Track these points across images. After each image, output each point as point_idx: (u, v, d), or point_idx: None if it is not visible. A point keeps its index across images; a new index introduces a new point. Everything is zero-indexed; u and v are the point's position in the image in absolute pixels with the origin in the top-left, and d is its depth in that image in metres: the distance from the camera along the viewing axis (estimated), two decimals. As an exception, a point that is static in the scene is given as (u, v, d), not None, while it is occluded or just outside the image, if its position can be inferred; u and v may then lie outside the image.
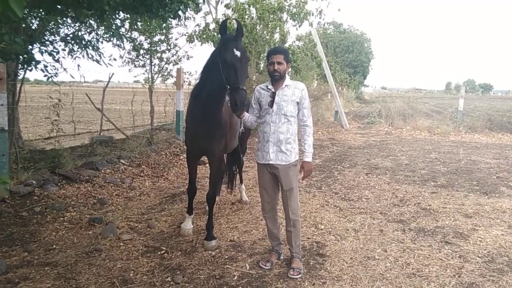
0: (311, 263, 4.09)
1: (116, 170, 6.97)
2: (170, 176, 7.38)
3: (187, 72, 10.34)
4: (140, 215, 5.36)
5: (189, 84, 11.23)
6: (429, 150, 11.65)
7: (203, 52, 16.67)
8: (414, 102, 29.51)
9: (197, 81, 4.37)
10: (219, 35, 3.99)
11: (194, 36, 11.95)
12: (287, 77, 3.88)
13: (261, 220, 5.27)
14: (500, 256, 4.30)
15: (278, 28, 12.88)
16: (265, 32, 12.67)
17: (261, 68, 13.03)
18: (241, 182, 6.18)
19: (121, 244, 4.40)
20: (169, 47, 10.41)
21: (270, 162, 3.82)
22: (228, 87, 3.60)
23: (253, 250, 4.35)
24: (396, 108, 23.27)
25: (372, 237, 4.79)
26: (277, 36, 13.65)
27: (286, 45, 13.38)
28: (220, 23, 3.94)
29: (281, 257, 4.16)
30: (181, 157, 8.46)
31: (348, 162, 9.53)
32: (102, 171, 6.75)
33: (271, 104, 3.75)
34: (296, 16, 12.92)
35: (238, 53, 3.65)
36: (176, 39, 11.03)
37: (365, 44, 47.43)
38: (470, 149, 11.87)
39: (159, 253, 4.22)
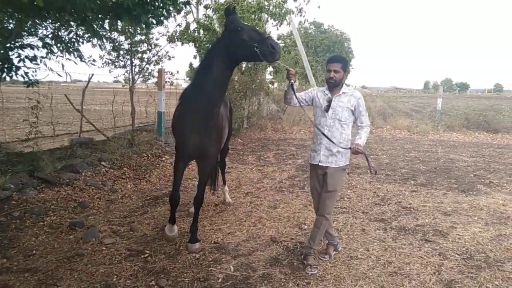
0: (295, 263, 4.12)
1: (97, 173, 6.87)
2: (152, 178, 7.31)
3: (169, 72, 10.28)
4: (122, 218, 5.30)
5: (171, 84, 11.18)
6: (409, 149, 11.86)
7: (185, 53, 16.60)
8: (394, 101, 29.94)
9: (193, 80, 4.36)
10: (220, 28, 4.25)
11: (175, 36, 11.85)
12: (344, 85, 4.06)
13: (245, 221, 5.30)
14: (477, 253, 4.42)
15: (258, 28, 12.88)
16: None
17: (243, 68, 13.03)
18: (224, 183, 6.16)
19: (103, 248, 4.35)
20: (150, 47, 10.30)
21: (320, 164, 4.00)
22: (256, 44, 3.67)
23: (237, 252, 4.36)
24: (377, 107, 23.63)
25: (355, 237, 4.86)
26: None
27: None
28: (224, 11, 4.06)
29: (339, 248, 4.39)
30: (163, 158, 8.40)
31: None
32: (83, 173, 6.64)
33: (326, 108, 3.96)
34: (277, 15, 12.96)
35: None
36: (157, 39, 10.94)
37: (345, 44, 47.97)
38: (448, 148, 12.14)
39: (142, 256, 4.18)
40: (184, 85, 14.26)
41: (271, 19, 13.28)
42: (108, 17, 4.80)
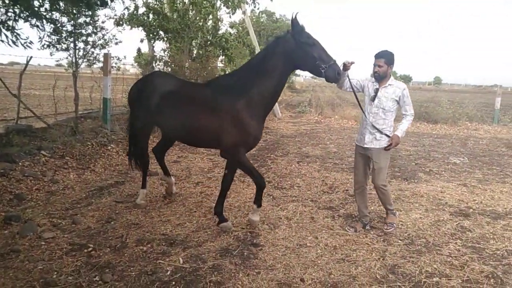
0: (245, 253, 4.10)
1: (36, 163, 6.43)
2: (97, 168, 6.97)
3: (115, 57, 9.80)
4: (64, 211, 5.01)
5: (118, 70, 10.69)
6: (356, 138, 12.24)
7: (133, 37, 15.91)
8: (342, 92, 30.74)
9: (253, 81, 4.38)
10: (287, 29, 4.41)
11: (123, 19, 11.33)
12: (391, 77, 4.62)
13: (195, 212, 5.21)
14: (418, 238, 4.65)
15: (211, 15, 12.66)
16: (197, 18, 12.38)
17: (194, 55, 12.75)
18: (166, 174, 5.70)
19: (43, 243, 4.08)
20: (95, 30, 9.73)
21: (365, 146, 4.63)
22: (324, 66, 4.10)
23: (186, 244, 4.27)
24: (325, 97, 24.16)
25: (304, 225, 4.94)
26: (210, 22, 13.44)
27: (220, 32, 13.19)
28: (292, 19, 4.20)
29: (367, 227, 4.83)
30: (109, 147, 8.04)
31: (281, 150, 9.71)
32: (20, 163, 6.18)
33: (373, 98, 4.55)
34: (230, 3, 12.78)
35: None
36: (103, 22, 10.40)
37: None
38: (392, 137, 12.65)
39: (85, 251, 3.98)
40: (132, 70, 13.77)
41: (224, 6, 13.08)
42: None
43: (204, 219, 4.96)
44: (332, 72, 4.12)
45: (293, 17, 4.18)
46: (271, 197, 5.98)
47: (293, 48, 4.20)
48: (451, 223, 5.13)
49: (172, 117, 4.69)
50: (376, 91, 4.55)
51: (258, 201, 4.70)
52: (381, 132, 4.52)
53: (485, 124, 16.62)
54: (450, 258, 4.14)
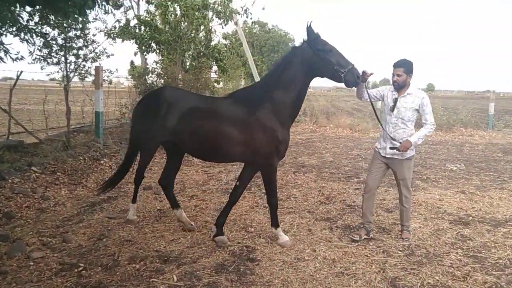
0: (241, 269, 3.98)
1: (27, 179, 6.28)
2: (89, 183, 6.83)
3: (107, 70, 9.72)
4: (54, 229, 4.87)
5: (110, 83, 10.59)
6: (351, 147, 12.19)
7: (125, 50, 15.86)
8: (336, 101, 30.89)
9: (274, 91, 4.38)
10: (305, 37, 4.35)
11: (115, 32, 11.27)
12: (411, 85, 4.55)
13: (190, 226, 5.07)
14: (419, 249, 4.54)
15: (203, 26, 12.64)
16: (189, 29, 12.35)
17: (187, 67, 12.70)
18: (176, 207, 5.05)
19: (31, 263, 3.93)
20: (86, 43, 9.67)
21: (387, 156, 4.59)
22: (343, 70, 4.14)
23: (181, 260, 4.13)
24: (320, 106, 24.18)
25: (302, 237, 4.82)
26: (202, 34, 13.42)
27: (212, 43, 13.17)
28: (307, 27, 4.25)
29: (370, 235, 4.79)
30: (101, 161, 7.91)
31: (276, 161, 9.60)
32: (10, 180, 6.03)
33: (392, 108, 4.53)
34: (222, 14, 12.78)
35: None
36: (94, 35, 10.24)
37: (290, 44, 48.63)
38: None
39: (76, 270, 3.83)
40: (127, 83, 13.63)
41: (216, 17, 13.07)
42: (20, 4, 4.27)
43: (199, 234, 4.83)
44: (351, 77, 4.17)
45: (308, 25, 4.23)
46: (267, 209, 5.84)
47: (310, 56, 4.26)
48: (451, 232, 5.04)
49: (196, 132, 4.44)
50: (395, 100, 4.53)
51: (275, 222, 4.64)
52: (400, 143, 4.44)
53: (480, 130, 16.62)
54: (452, 268, 4.04)
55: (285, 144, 4.47)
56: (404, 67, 4.50)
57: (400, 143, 4.44)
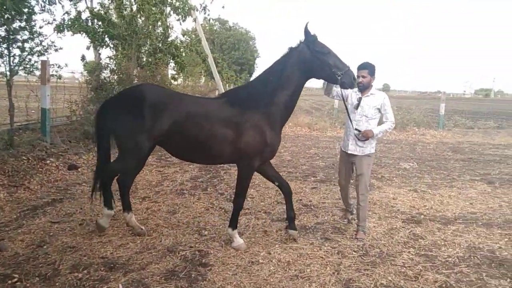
0: (192, 275, 3.80)
1: (-40, 181, 5.77)
2: (32, 185, 6.36)
3: (55, 65, 9.16)
4: (-12, 236, 4.47)
5: (59, 78, 10.01)
6: (309, 145, 12.26)
7: (76, 43, 15.11)
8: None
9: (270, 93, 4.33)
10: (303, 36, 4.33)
11: (64, 25, 10.65)
12: (373, 87, 4.84)
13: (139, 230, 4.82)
14: (372, 248, 4.56)
15: (160, 21, 12.26)
16: (146, 24, 11.94)
17: (143, 63, 12.27)
18: (128, 210, 4.71)
19: (-42, 276, 3.57)
20: (32, 36, 9.07)
21: (349, 152, 4.87)
22: (340, 73, 4.20)
23: (128, 267, 3.89)
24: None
25: (257, 239, 4.71)
26: (160, 29, 13.02)
27: (169, 39, 12.80)
28: (304, 29, 4.28)
29: (354, 213, 5.19)
30: (47, 161, 7.42)
31: (234, 160, 9.46)
32: None
33: (356, 106, 4.79)
34: (180, 10, 12.45)
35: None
36: (41, 27, 9.63)
37: (250, 42, 48.63)
38: (345, 144, 12.81)
39: (9, 282, 3.50)
40: (82, 79, 12.96)
41: (174, 13, 12.71)
42: None
43: (149, 238, 4.60)
44: (348, 78, 4.25)
45: (305, 27, 4.26)
46: (223, 210, 5.71)
47: (308, 58, 4.28)
48: (404, 231, 5.10)
49: (188, 134, 4.21)
50: (359, 100, 4.78)
51: (233, 223, 4.49)
52: (361, 137, 4.75)
53: (431, 129, 17.28)
54: (404, 268, 4.07)
55: (271, 147, 4.39)
56: (369, 69, 4.74)
57: (359, 131, 4.75)
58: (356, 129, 4.75)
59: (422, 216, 5.70)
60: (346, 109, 4.97)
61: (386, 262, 4.20)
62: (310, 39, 4.28)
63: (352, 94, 4.92)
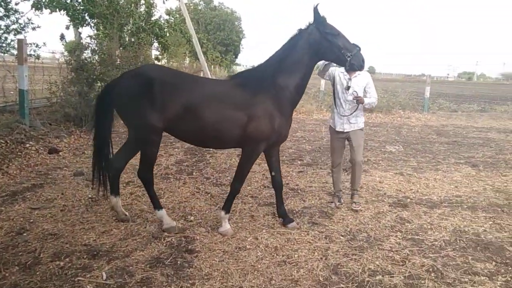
0: (178, 262, 3.72)
1: None
2: (11, 169, 6.14)
3: (33, 44, 8.82)
4: (-36, 223, 4.30)
5: (37, 58, 9.66)
6: (296, 128, 12.18)
7: (55, 22, 14.55)
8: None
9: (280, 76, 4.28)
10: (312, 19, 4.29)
11: (42, 2, 10.22)
12: None
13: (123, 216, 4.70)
14: (360, 233, 4.54)
15: (144, 1, 11.89)
16: (128, 3, 11.56)
17: (126, 43, 11.92)
18: (116, 193, 4.57)
19: None
20: (7, 13, 8.69)
21: (345, 131, 5.17)
22: (349, 54, 4.19)
23: (112, 254, 3.79)
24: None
25: (244, 224, 4.65)
26: (143, 8, 12.64)
27: (153, 19, 12.44)
28: (313, 10, 4.20)
29: (342, 201, 5.46)
30: (27, 145, 7.18)
31: (220, 143, 9.34)
32: None
33: (347, 88, 4.97)
34: (163, -12, 12.10)
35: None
36: (16, 4, 9.23)
37: (236, 23, 47.93)
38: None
39: (-13, 272, 3.38)
40: (61, 59, 12.56)
41: (156, -10, 12.35)
42: None
43: (134, 225, 4.49)
44: (357, 60, 4.25)
45: (315, 8, 4.18)
46: (209, 195, 5.62)
47: (318, 40, 4.23)
48: (391, 215, 5.11)
49: (198, 117, 4.05)
50: (349, 81, 4.97)
51: (227, 206, 4.42)
52: (356, 116, 5.12)
53: (416, 112, 17.39)
54: (392, 253, 4.06)
55: (278, 133, 4.30)
56: None
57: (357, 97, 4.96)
58: (354, 91, 4.99)
59: (409, 200, 5.72)
60: (333, 91, 5.21)
61: (373, 246, 4.19)
62: (319, 21, 4.23)
63: (341, 76, 5.12)
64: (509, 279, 3.65)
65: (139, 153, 4.40)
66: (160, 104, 3.95)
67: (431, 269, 3.76)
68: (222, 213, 4.40)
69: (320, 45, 4.24)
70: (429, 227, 4.79)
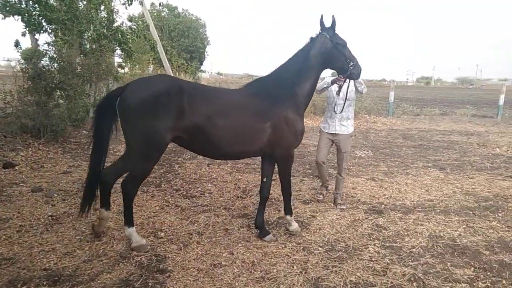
0: (149, 283, 3.45)
1: None
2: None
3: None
4: None
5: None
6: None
7: (9, 27, 13.74)
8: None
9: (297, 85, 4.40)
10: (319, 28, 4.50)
11: (-7, 6, 9.59)
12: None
13: (88, 235, 4.36)
14: (338, 243, 4.43)
15: (103, 5, 11.44)
16: (88, 8, 11.08)
17: (86, 50, 11.40)
18: (106, 207, 4.25)
19: None
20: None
21: (336, 132, 5.53)
22: (352, 63, 4.45)
23: (75, 279, 3.47)
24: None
25: (218, 239, 4.42)
26: (103, 14, 12.15)
27: (115, 25, 12.00)
28: (332, 20, 4.43)
29: (328, 188, 6.01)
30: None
31: (189, 153, 9.03)
32: None
33: (338, 92, 5.30)
34: (125, -7, 11.68)
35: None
36: (-34, 9, 8.61)
37: (201, 30, 47.51)
38: (300, 133, 12.75)
39: None
40: (17, 67, 11.86)
41: (118, -4, 11.90)
42: None
43: (99, 244, 4.16)
44: (357, 70, 4.53)
45: (333, 18, 4.41)
46: (180, 208, 5.35)
47: (329, 49, 4.41)
48: (367, 222, 5.03)
49: (216, 128, 3.89)
50: (340, 86, 5.17)
51: (289, 210, 4.68)
52: (348, 119, 5.52)
53: (382, 117, 17.73)
54: (372, 262, 3.96)
55: (302, 134, 4.50)
56: None
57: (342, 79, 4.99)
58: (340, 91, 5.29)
59: (383, 206, 5.69)
60: (328, 98, 5.62)
61: (353, 256, 4.08)
62: (330, 31, 4.42)
63: (332, 87, 5.49)
64: (489, 284, 3.63)
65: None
66: (178, 114, 3.72)
67: (412, 278, 3.68)
68: (288, 217, 4.67)
69: (330, 55, 4.43)
70: (405, 233, 4.75)
